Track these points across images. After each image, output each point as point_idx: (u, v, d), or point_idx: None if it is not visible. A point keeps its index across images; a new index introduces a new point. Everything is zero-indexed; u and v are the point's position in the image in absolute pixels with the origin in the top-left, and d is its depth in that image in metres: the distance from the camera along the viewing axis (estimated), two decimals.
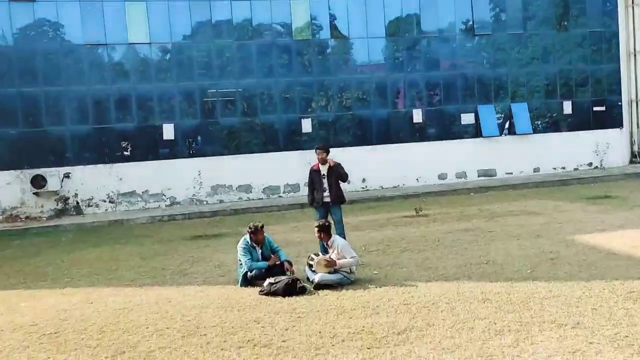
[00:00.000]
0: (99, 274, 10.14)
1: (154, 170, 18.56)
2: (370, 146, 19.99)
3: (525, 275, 8.10)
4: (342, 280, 8.18)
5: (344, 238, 9.25)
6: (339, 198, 9.82)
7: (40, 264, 11.33)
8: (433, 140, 20.56)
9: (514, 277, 8.06)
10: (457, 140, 20.84)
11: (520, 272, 8.31)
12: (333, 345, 5.87)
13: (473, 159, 20.77)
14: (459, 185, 19.56)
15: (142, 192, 18.61)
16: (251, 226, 8.80)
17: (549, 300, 6.89)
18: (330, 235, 8.51)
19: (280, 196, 19.44)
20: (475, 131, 20.97)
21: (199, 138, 19.20)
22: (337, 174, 9.78)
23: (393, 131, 20.41)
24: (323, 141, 19.83)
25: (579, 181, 19.06)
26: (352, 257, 8.23)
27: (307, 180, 10.24)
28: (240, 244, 8.72)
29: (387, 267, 9.14)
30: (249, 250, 8.66)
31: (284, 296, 7.77)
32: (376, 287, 7.94)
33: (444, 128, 20.83)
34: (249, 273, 8.41)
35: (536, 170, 21.31)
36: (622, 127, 22.07)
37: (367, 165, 19.63)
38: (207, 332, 6.57)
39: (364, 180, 19.84)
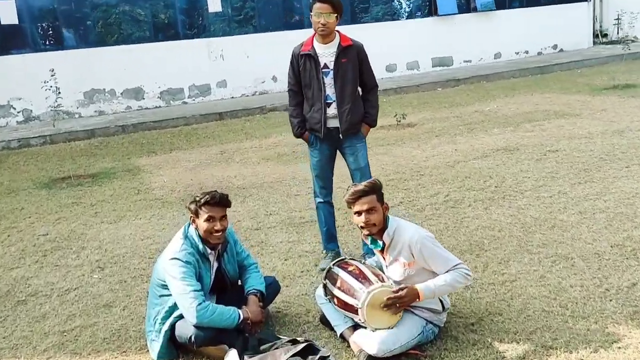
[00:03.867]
0: None
1: None
2: (302, 30, 14.24)
3: None
4: (425, 334, 3.05)
5: None
6: (360, 120, 4.15)
7: None
8: (379, 21, 15.17)
9: None
10: (408, 20, 15.59)
11: None
12: None
13: (426, 45, 15.70)
14: (417, 78, 14.56)
15: None
16: (199, 199, 3.24)
17: None
18: (383, 219, 3.18)
19: (185, 102, 13.54)
20: (429, 8, 15.79)
21: (58, 22, 12.56)
22: (357, 66, 4.10)
23: None
24: (237, 25, 13.88)
25: (559, 67, 14.68)
26: (453, 268, 3.04)
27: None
28: (176, 249, 3.19)
29: (470, 259, 4.08)
30: (195, 263, 3.19)
31: None
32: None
33: (392, 4, 15.44)
34: (189, 330, 3.07)
35: (497, 56, 16.69)
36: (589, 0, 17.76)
37: None
38: None
39: None
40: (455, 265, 3.02)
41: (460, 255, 4.17)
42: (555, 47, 17.41)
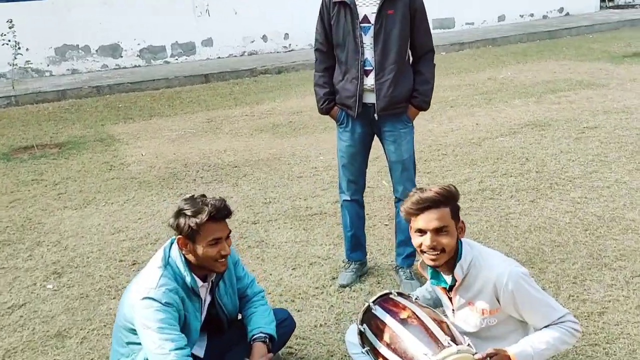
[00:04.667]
0: None
1: None
2: None
3: None
4: None
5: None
6: (407, 98, 3.04)
7: None
8: None
9: None
10: None
11: None
12: None
13: (427, 5, 14.50)
14: None
15: None
16: (194, 214, 2.12)
17: None
18: (456, 244, 2.15)
19: (167, 62, 12.31)
20: None
21: None
22: (408, 20, 3.05)
23: None
24: None
25: (569, 32, 13.65)
26: (558, 321, 2.07)
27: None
28: (151, 285, 2.12)
29: (533, 274, 3.16)
30: (179, 305, 2.14)
31: None
32: None
33: None
34: None
35: (501, 18, 15.58)
36: None
37: (291, 14, 12.78)
38: None
39: (286, 36, 13.09)
40: (561, 317, 2.07)
41: None
42: (561, 10, 16.31)
